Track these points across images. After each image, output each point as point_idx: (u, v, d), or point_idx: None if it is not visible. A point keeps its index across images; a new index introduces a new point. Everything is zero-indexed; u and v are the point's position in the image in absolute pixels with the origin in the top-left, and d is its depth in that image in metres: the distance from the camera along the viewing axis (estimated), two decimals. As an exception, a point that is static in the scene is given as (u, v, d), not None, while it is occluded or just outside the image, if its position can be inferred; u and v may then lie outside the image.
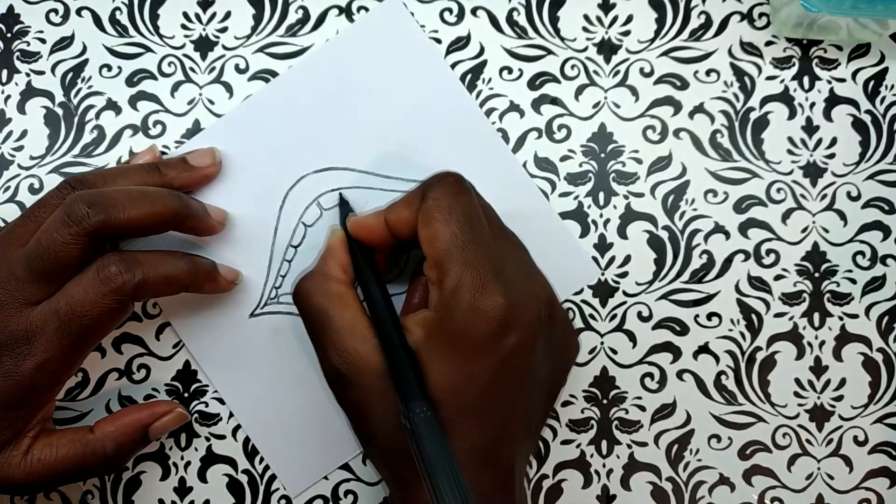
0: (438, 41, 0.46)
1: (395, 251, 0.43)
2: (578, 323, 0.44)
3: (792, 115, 0.45)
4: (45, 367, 0.37)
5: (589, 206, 0.45)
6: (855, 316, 0.44)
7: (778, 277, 0.44)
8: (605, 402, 0.44)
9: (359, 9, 0.46)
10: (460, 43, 0.46)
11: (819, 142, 0.45)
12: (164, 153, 0.45)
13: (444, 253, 0.35)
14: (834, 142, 0.45)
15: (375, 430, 0.36)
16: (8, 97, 0.46)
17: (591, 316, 0.44)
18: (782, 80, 0.45)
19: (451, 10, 0.46)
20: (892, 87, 0.45)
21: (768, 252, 0.45)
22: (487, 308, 0.34)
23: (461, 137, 0.45)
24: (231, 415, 0.44)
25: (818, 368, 0.44)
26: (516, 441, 0.36)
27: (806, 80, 0.45)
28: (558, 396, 0.40)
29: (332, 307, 0.37)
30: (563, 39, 0.46)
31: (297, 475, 0.44)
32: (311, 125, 0.45)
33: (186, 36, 0.46)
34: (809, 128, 0.45)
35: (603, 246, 0.45)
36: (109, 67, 0.46)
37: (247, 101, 0.45)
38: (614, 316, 0.44)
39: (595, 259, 0.45)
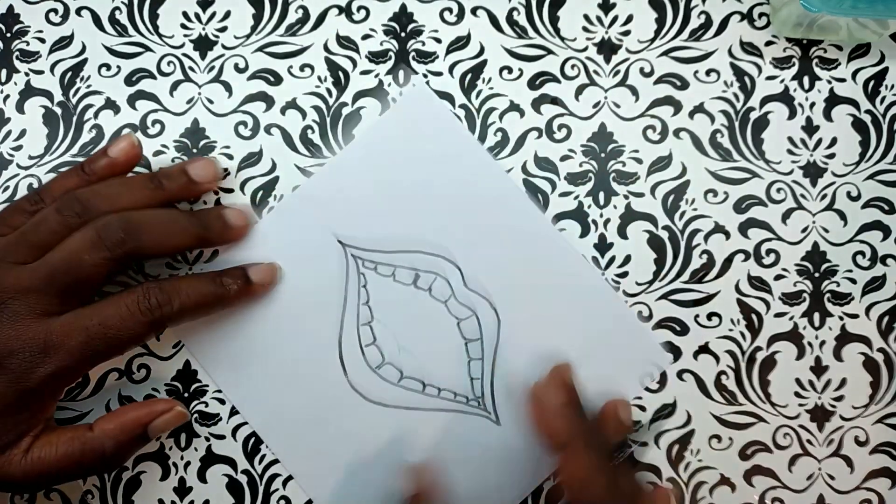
0: (438, 41, 0.46)
1: None
2: (579, 323, 0.44)
3: (792, 115, 0.45)
4: (57, 375, 0.37)
5: (589, 206, 0.45)
6: (855, 316, 0.44)
7: (778, 277, 0.44)
8: (605, 402, 0.44)
9: (359, 8, 0.46)
10: (460, 43, 0.46)
11: (819, 142, 0.45)
12: (161, 152, 0.45)
13: None
14: (834, 142, 0.45)
15: None
16: (7, 97, 0.46)
17: (592, 316, 0.44)
18: (782, 80, 0.45)
19: (451, 10, 0.46)
20: (892, 87, 0.45)
21: (768, 252, 0.44)
22: None
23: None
24: (231, 414, 0.44)
25: (818, 368, 0.44)
26: None
27: (806, 80, 0.45)
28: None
29: None
30: (563, 39, 0.46)
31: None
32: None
33: (186, 35, 0.46)
34: (809, 128, 0.45)
35: (603, 246, 0.45)
36: (108, 67, 0.46)
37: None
38: (614, 316, 0.44)
39: (595, 259, 0.44)
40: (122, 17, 0.46)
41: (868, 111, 0.45)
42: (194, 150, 0.45)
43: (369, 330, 0.44)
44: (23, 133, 0.45)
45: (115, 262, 0.38)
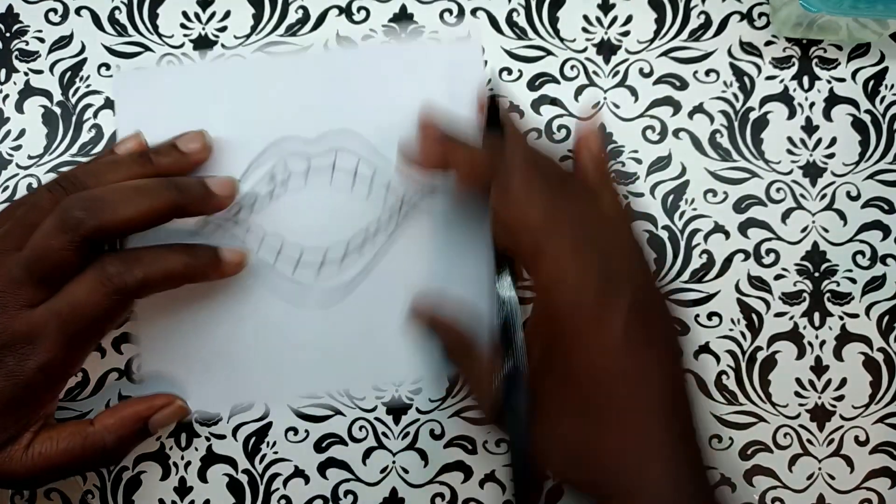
0: (438, 41, 0.46)
1: None
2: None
3: (791, 114, 0.45)
4: (47, 366, 0.36)
5: (589, 206, 0.45)
6: (855, 315, 0.44)
7: (778, 277, 0.44)
8: (605, 402, 0.44)
9: (359, 9, 0.46)
10: (460, 43, 0.46)
11: (819, 141, 0.45)
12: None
13: (529, 248, 0.36)
14: (833, 141, 0.45)
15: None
16: (6, 96, 0.45)
17: (592, 316, 0.44)
18: (782, 80, 0.45)
19: (450, 11, 0.46)
20: (892, 86, 0.45)
21: (768, 252, 0.45)
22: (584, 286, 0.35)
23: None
24: (231, 414, 0.44)
25: (819, 368, 0.44)
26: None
27: (806, 79, 0.45)
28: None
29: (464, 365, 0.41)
30: (562, 40, 0.46)
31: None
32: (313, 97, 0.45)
33: (186, 35, 0.46)
34: (809, 128, 0.45)
35: (603, 246, 0.45)
36: (108, 66, 0.46)
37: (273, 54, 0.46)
38: (615, 316, 0.44)
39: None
40: (122, 17, 0.46)
41: (868, 111, 0.45)
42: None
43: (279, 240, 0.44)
44: (22, 133, 0.45)
45: (81, 243, 0.36)
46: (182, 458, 0.44)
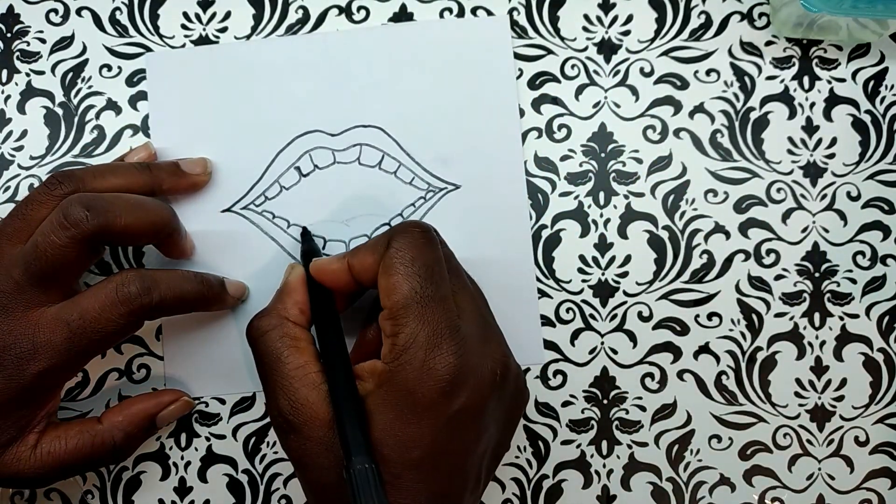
0: (438, 41, 0.46)
1: (354, 294, 0.42)
2: (579, 323, 0.44)
3: (792, 114, 0.45)
4: (48, 372, 0.37)
5: (589, 206, 0.45)
6: (855, 316, 0.44)
7: (778, 277, 0.44)
8: (605, 402, 0.44)
9: (359, 8, 0.46)
10: (460, 43, 0.46)
11: (819, 142, 0.45)
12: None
13: (402, 307, 0.34)
14: (834, 142, 0.45)
15: (318, 483, 0.35)
16: (8, 97, 0.46)
17: (592, 316, 0.44)
18: (782, 80, 0.45)
19: (451, 10, 0.46)
20: (892, 87, 0.45)
21: (768, 252, 0.44)
22: (439, 368, 0.33)
23: (487, 159, 0.45)
24: (231, 414, 0.44)
25: (819, 368, 0.44)
26: (462, 497, 0.35)
27: (806, 80, 0.45)
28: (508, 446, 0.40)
29: (285, 350, 0.36)
30: (563, 39, 0.46)
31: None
32: (343, 86, 0.45)
33: (186, 36, 0.46)
34: (809, 128, 0.45)
35: (603, 246, 0.45)
36: (109, 67, 0.46)
37: (299, 38, 0.46)
38: (614, 316, 0.44)
39: (595, 259, 0.44)
40: (123, 18, 0.46)
41: (868, 111, 0.45)
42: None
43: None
44: (24, 133, 0.45)
45: (82, 241, 0.36)
46: (182, 458, 0.44)
